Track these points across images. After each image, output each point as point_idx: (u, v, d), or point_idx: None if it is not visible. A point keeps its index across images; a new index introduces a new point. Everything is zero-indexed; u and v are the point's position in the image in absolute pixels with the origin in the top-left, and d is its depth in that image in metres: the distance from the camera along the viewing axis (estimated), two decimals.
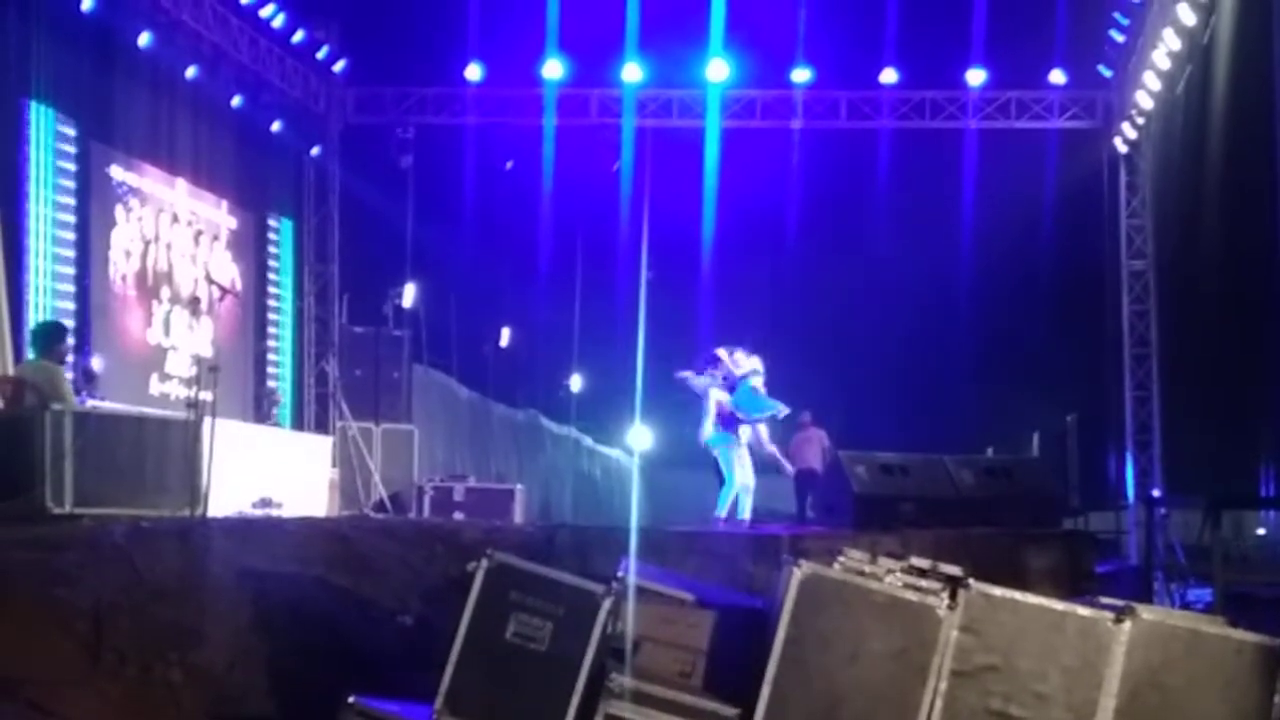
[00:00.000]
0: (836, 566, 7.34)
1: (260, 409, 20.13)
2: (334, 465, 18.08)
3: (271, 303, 22.23)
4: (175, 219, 19.37)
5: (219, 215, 20.57)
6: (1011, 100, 22.89)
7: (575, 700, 7.17)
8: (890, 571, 7.29)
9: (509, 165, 24.33)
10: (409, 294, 21.14)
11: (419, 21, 21.72)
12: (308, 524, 11.86)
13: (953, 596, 7.15)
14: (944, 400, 22.96)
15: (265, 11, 20.95)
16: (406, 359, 20.84)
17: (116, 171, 18.06)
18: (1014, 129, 22.90)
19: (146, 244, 18.63)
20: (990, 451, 18.46)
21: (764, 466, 15.34)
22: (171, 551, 9.24)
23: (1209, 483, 16.99)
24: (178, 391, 17.80)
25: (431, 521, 15.20)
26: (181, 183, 19.51)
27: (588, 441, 28.97)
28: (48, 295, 16.21)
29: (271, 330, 22.11)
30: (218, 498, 11.98)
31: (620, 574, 7.63)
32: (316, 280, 23.42)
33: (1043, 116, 22.99)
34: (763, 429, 15.00)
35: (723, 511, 14.45)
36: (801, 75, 22.53)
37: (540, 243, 24.46)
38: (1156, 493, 20.43)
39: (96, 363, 15.67)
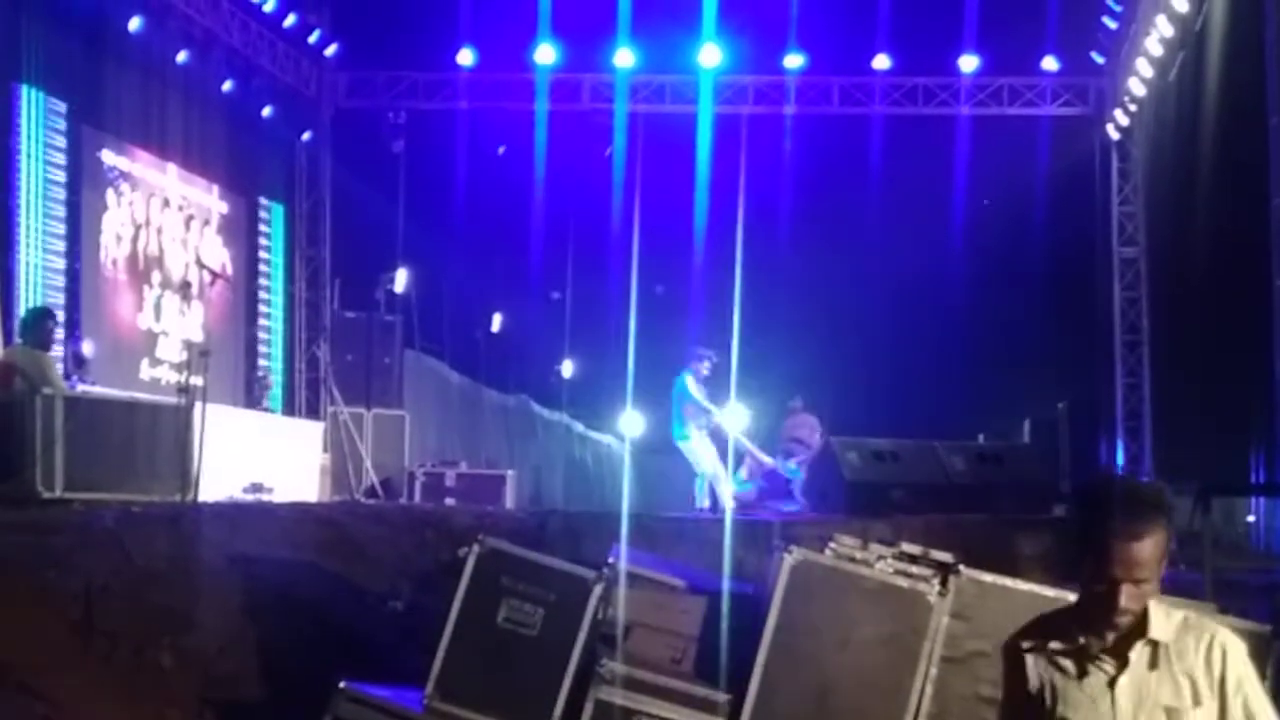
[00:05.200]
0: (827, 553, 7.34)
1: (251, 394, 20.12)
2: (325, 450, 18.08)
3: (263, 288, 22.20)
4: (166, 203, 19.34)
5: (210, 200, 20.53)
6: (1004, 87, 22.88)
7: (566, 685, 7.18)
8: (881, 558, 7.29)
9: (501, 150, 24.30)
10: (400, 279, 21.11)
11: (411, 6, 21.67)
12: (299, 509, 11.87)
13: (944, 583, 7.16)
14: (935, 386, 22.95)
15: None
16: (398, 344, 20.83)
17: (108, 156, 18.03)
18: (1006, 115, 22.90)
19: (137, 228, 18.59)
20: (981, 438, 18.53)
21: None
22: (162, 536, 9.24)
23: (1199, 469, 17.00)
24: (169, 376, 17.76)
25: (423, 507, 15.21)
26: (173, 167, 19.47)
27: (579, 427, 28.95)
28: (38, 280, 16.18)
29: (262, 315, 22.08)
30: (208, 482, 12.00)
31: (611, 560, 7.63)
32: (308, 265, 23.39)
33: (1035, 103, 22.99)
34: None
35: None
36: (794, 61, 22.51)
37: (532, 228, 24.42)
38: (1146, 479, 20.46)
39: (87, 347, 15.67)
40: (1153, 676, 3.90)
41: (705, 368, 16.35)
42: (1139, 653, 3.91)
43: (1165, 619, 3.93)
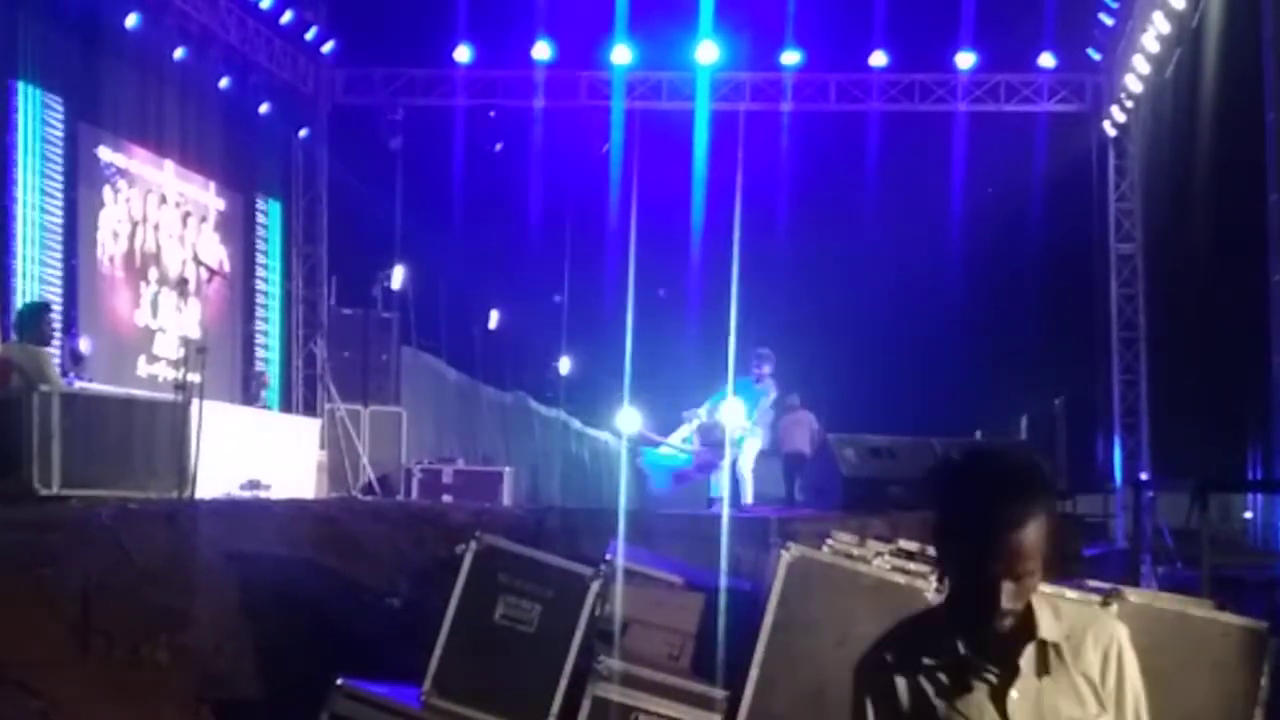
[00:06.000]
0: (825, 549, 7.33)
1: (248, 391, 20.10)
2: (322, 447, 18.06)
3: (259, 284, 22.20)
4: (163, 200, 19.33)
5: (207, 196, 20.52)
6: (1001, 83, 22.89)
7: (563, 682, 7.17)
8: (878, 554, 7.29)
9: (498, 147, 24.29)
10: (397, 276, 21.09)
11: (408, 3, 21.68)
12: (296, 506, 11.86)
13: (940, 579, 7.14)
14: (932, 383, 22.95)
15: None
16: (395, 341, 20.80)
17: (104, 152, 18.02)
18: (1003, 112, 22.92)
19: (134, 225, 18.59)
20: (978, 434, 18.50)
21: None
22: (159, 533, 9.23)
23: (1196, 466, 17.01)
24: (166, 373, 17.78)
25: (420, 504, 15.20)
26: (169, 164, 19.47)
27: (576, 424, 28.91)
28: (35, 277, 16.18)
29: (259, 312, 22.08)
30: (205, 479, 11.99)
31: (609, 556, 7.63)
32: (305, 262, 23.38)
33: (1032, 99, 23.00)
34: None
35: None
36: (791, 58, 22.51)
37: (529, 225, 24.43)
38: (1144, 476, 20.49)
39: (84, 344, 15.67)
40: (1046, 684, 3.25)
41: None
42: (1028, 658, 3.25)
43: (1053, 616, 3.29)
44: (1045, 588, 3.29)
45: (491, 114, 23.92)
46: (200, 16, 19.83)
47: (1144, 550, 13.14)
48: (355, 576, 9.56)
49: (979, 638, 3.25)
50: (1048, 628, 3.26)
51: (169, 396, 12.16)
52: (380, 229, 22.60)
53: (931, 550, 7.29)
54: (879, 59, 22.50)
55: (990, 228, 23.08)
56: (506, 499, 17.73)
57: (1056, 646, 3.26)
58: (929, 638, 3.33)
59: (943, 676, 3.28)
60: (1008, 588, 3.16)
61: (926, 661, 3.30)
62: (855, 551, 7.31)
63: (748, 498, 15.93)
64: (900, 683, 3.31)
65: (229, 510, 11.11)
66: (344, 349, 20.27)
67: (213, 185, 20.65)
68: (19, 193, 16.07)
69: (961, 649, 3.26)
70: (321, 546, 9.76)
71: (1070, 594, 7.18)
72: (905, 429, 15.66)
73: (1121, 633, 3.34)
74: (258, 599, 8.87)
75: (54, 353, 13.40)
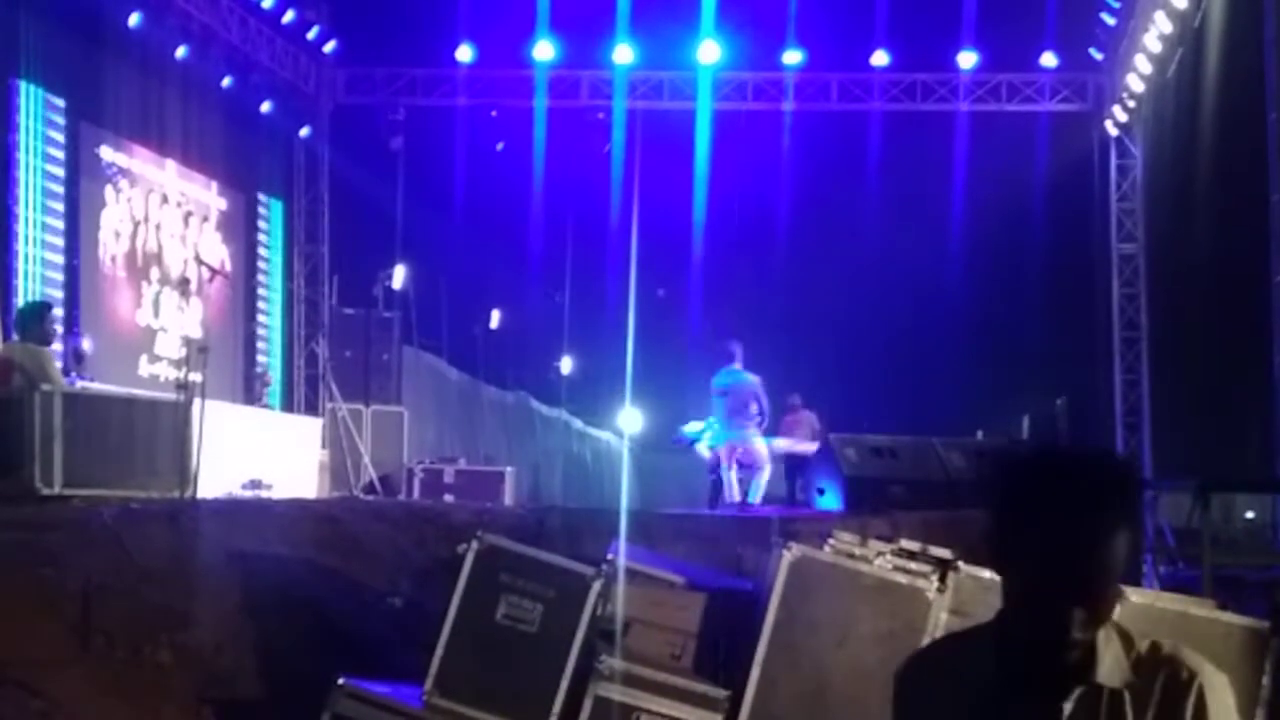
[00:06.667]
0: (826, 549, 7.33)
1: (250, 390, 20.11)
2: (324, 447, 18.05)
3: (261, 284, 22.21)
4: (165, 200, 19.33)
5: (209, 196, 20.53)
6: (1002, 83, 22.88)
7: (565, 682, 7.17)
8: (880, 554, 7.29)
9: (499, 147, 24.30)
10: (399, 275, 21.10)
11: (409, 2, 21.67)
12: (297, 506, 11.86)
13: (942, 579, 7.15)
14: (934, 383, 22.97)
15: None
16: (396, 340, 20.80)
17: (106, 152, 18.02)
18: (1005, 111, 22.90)
19: (136, 225, 18.59)
20: (980, 434, 18.51)
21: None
22: (161, 533, 9.23)
23: (1198, 465, 17.01)
24: (167, 373, 17.78)
25: (421, 503, 15.20)
26: (171, 163, 19.47)
27: (578, 424, 28.94)
28: (37, 276, 16.18)
29: (261, 311, 22.09)
30: (207, 479, 11.97)
31: (610, 556, 7.62)
32: (306, 261, 23.39)
33: (1034, 99, 22.99)
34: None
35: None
36: (793, 57, 22.50)
37: (531, 224, 24.44)
38: (1146, 475, 20.48)
39: (86, 344, 15.66)
40: None
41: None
42: (1075, 703, 2.64)
43: (1119, 655, 2.66)
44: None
45: (493, 114, 23.94)
46: (202, 16, 19.83)
47: (1145, 549, 13.15)
48: (357, 576, 9.55)
49: (1029, 671, 2.66)
50: (1108, 670, 2.65)
51: (171, 396, 12.15)
52: (382, 228, 22.62)
53: (934, 550, 7.32)
54: (880, 58, 22.49)
55: (992, 227, 23.08)
56: (508, 499, 17.73)
57: (1115, 694, 2.64)
58: (969, 658, 2.76)
59: (975, 707, 2.70)
60: (1079, 615, 2.57)
61: (960, 686, 2.72)
62: (856, 551, 7.31)
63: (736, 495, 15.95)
64: (931, 704, 2.80)
65: (230, 510, 11.10)
66: (346, 348, 20.27)
67: (214, 185, 20.65)
68: (20, 192, 16.07)
69: (1003, 679, 2.67)
70: (323, 546, 9.76)
71: None
72: (906, 429, 15.67)
73: (1206, 671, 2.68)
74: (259, 599, 8.86)
75: (57, 352, 13.39)
